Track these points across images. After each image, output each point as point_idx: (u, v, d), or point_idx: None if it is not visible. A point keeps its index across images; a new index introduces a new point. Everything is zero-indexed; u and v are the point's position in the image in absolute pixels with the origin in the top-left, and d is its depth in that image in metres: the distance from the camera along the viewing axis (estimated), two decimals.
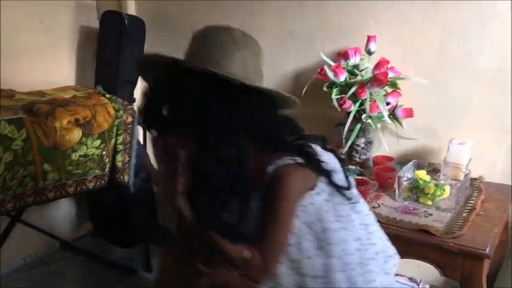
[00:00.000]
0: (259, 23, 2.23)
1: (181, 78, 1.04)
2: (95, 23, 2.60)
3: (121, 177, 2.14)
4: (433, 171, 1.78)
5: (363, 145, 1.96)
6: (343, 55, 1.96)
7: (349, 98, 1.83)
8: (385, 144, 1.95)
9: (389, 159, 1.92)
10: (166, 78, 1.07)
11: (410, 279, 1.79)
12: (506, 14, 1.72)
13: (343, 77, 1.88)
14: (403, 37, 1.93)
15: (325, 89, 1.91)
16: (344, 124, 1.86)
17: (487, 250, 1.35)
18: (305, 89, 1.98)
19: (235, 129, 1.04)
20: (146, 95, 1.09)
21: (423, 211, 1.57)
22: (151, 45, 2.43)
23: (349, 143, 1.90)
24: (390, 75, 1.83)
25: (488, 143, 1.83)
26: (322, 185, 1.08)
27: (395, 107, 1.88)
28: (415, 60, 1.91)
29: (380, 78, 1.77)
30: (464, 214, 1.54)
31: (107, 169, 2.09)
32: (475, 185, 1.76)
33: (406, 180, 1.66)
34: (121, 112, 2.11)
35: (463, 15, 1.80)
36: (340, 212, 1.10)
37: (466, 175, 1.67)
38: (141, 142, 2.33)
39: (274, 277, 1.10)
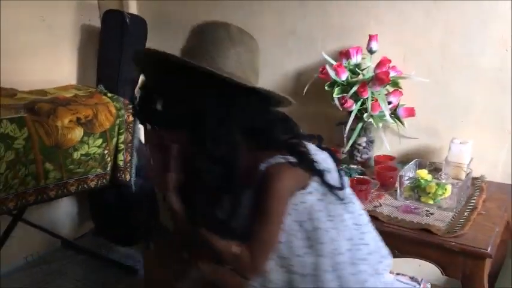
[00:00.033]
0: (260, 22, 2.23)
1: (176, 74, 1.04)
2: (97, 22, 2.60)
3: (122, 176, 2.15)
4: (435, 170, 1.77)
5: (364, 144, 1.96)
6: (344, 54, 1.95)
7: (351, 97, 1.83)
8: (386, 144, 1.94)
9: (391, 158, 1.91)
10: (162, 74, 1.07)
11: (412, 278, 1.79)
12: (507, 14, 1.72)
13: (344, 76, 1.88)
14: (404, 37, 1.93)
15: (326, 88, 1.91)
16: (345, 123, 1.86)
17: (489, 249, 1.35)
18: (306, 88, 1.98)
19: (230, 127, 1.04)
20: (142, 88, 1.10)
21: (425, 210, 1.57)
22: (153, 45, 2.43)
23: (351, 142, 1.90)
24: (392, 74, 1.83)
25: (489, 142, 1.83)
26: (314, 184, 1.09)
27: (397, 106, 1.88)
28: (417, 60, 1.91)
29: (382, 78, 1.77)
30: (465, 213, 1.54)
31: (108, 168, 2.10)
32: (476, 184, 1.75)
33: (407, 180, 1.66)
34: (122, 111, 2.11)
35: (465, 15, 1.80)
36: (332, 212, 1.11)
37: (467, 174, 1.67)
38: (143, 141, 2.33)
39: (263, 274, 1.10)
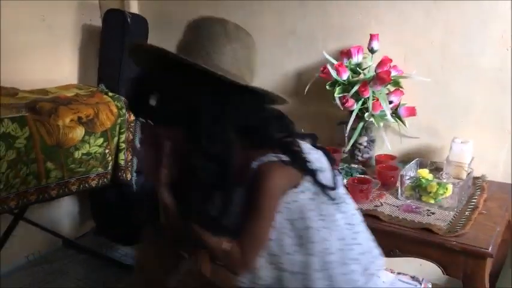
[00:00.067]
0: (260, 22, 2.24)
1: (171, 70, 1.04)
2: (98, 22, 2.60)
3: (124, 175, 2.15)
4: (436, 169, 1.78)
5: (365, 144, 1.96)
6: (345, 53, 1.96)
7: (352, 96, 1.83)
8: (387, 143, 1.95)
9: (392, 157, 1.91)
10: (157, 69, 1.07)
11: (413, 277, 1.79)
12: (507, 13, 1.72)
13: (345, 75, 1.88)
14: (404, 37, 1.93)
15: (327, 87, 1.91)
16: (347, 123, 1.86)
17: (490, 249, 1.35)
18: (307, 87, 1.99)
19: (225, 125, 1.04)
20: (136, 82, 1.09)
21: (426, 210, 1.57)
22: (154, 44, 2.43)
23: (352, 141, 1.90)
24: (393, 73, 1.83)
25: (489, 142, 1.83)
26: (307, 183, 1.09)
27: (398, 105, 1.88)
28: (417, 60, 1.91)
29: (383, 77, 1.77)
30: (466, 213, 1.54)
31: (109, 167, 2.10)
32: (477, 183, 1.75)
33: (408, 179, 1.66)
34: (124, 110, 2.11)
35: (465, 15, 1.80)
36: (324, 211, 1.11)
37: (468, 174, 1.67)
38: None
39: (253, 270, 1.11)
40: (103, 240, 2.61)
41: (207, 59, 1.03)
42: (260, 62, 2.35)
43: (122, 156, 2.12)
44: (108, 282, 2.35)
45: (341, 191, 1.17)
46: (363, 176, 1.79)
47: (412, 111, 1.88)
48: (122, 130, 2.11)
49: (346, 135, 1.90)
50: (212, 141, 1.02)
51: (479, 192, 1.69)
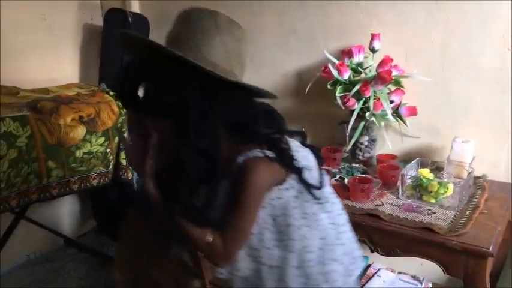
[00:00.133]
0: (260, 22, 2.24)
1: (160, 63, 1.03)
2: (99, 21, 2.61)
3: (125, 174, 2.15)
4: (437, 169, 1.78)
5: (366, 143, 1.96)
6: (346, 53, 1.96)
7: (353, 96, 1.83)
8: (388, 142, 1.94)
9: (393, 157, 1.91)
10: (147, 60, 1.06)
11: (414, 277, 1.80)
12: (507, 13, 1.72)
13: (346, 75, 1.88)
14: (405, 37, 1.93)
15: (328, 87, 1.91)
16: (348, 122, 1.86)
17: (491, 248, 1.35)
18: (308, 87, 1.98)
19: (213, 119, 1.04)
20: (125, 72, 1.09)
21: (426, 209, 1.57)
22: None
23: (353, 141, 1.90)
24: (394, 73, 1.83)
25: (490, 142, 1.83)
26: (292, 181, 1.10)
27: (399, 105, 1.88)
28: (418, 60, 1.91)
29: (384, 76, 1.77)
30: (467, 212, 1.54)
31: (110, 166, 2.10)
32: (478, 183, 1.75)
33: (409, 178, 1.66)
34: (125, 109, 2.12)
35: (465, 15, 1.80)
36: (307, 210, 1.12)
37: (469, 173, 1.67)
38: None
39: (233, 262, 1.12)
40: (104, 239, 2.61)
41: (196, 51, 1.03)
42: (260, 61, 2.37)
43: (123, 155, 2.12)
44: (109, 281, 2.35)
45: (327, 190, 1.18)
46: (363, 175, 1.79)
47: (413, 111, 1.88)
48: (123, 129, 2.11)
49: (347, 134, 1.90)
50: (200, 136, 1.02)
51: (480, 192, 1.69)
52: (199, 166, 1.03)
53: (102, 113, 2.02)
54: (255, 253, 1.12)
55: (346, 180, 1.77)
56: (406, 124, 1.91)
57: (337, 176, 1.83)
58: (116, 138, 2.09)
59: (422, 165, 1.77)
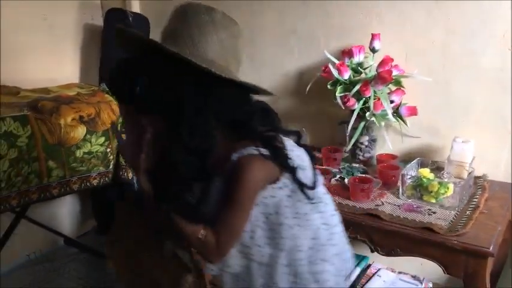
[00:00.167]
0: (260, 22, 2.24)
1: (156, 59, 1.02)
2: (99, 21, 2.61)
3: (125, 174, 2.15)
4: (437, 169, 1.78)
5: (366, 143, 1.96)
6: (347, 53, 1.96)
7: (353, 96, 1.83)
8: (388, 142, 1.94)
9: (393, 157, 1.91)
10: (142, 56, 1.06)
11: (414, 277, 1.79)
12: (508, 13, 1.72)
13: (347, 74, 1.88)
14: (405, 37, 1.93)
15: (329, 86, 1.91)
16: (348, 122, 1.86)
17: (491, 248, 1.35)
18: (308, 87, 1.99)
19: (207, 117, 1.03)
20: (120, 66, 1.08)
21: (427, 209, 1.57)
22: None
23: (353, 141, 1.90)
24: (394, 73, 1.83)
25: (490, 142, 1.83)
26: (285, 180, 1.09)
27: (399, 105, 1.88)
28: (418, 60, 1.91)
29: (384, 76, 1.77)
30: (467, 212, 1.54)
31: (111, 166, 2.10)
32: (478, 183, 1.75)
33: (409, 178, 1.66)
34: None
35: (466, 15, 1.80)
36: (300, 210, 1.12)
37: (469, 173, 1.67)
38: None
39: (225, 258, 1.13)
40: (104, 239, 2.61)
41: (192, 48, 1.02)
42: (260, 61, 2.37)
43: None
44: (109, 281, 2.35)
45: (320, 190, 1.18)
46: (364, 175, 1.79)
47: (413, 111, 1.88)
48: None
49: (348, 134, 1.90)
50: (194, 134, 1.01)
51: (480, 192, 1.69)
52: (192, 165, 1.02)
53: (103, 113, 2.03)
54: (246, 250, 1.13)
55: (346, 180, 1.77)
56: (406, 124, 1.91)
57: (338, 176, 1.83)
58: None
59: (422, 165, 1.77)
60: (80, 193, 2.55)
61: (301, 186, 1.10)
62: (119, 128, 1.93)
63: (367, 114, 1.84)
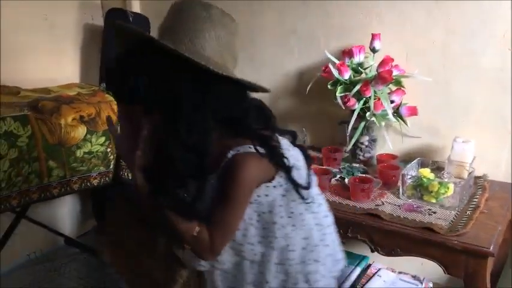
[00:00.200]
0: (260, 22, 2.24)
1: (153, 55, 1.01)
2: (100, 21, 2.61)
3: (125, 174, 2.15)
4: (437, 169, 1.78)
5: (367, 143, 1.96)
6: (347, 53, 1.96)
7: (354, 96, 1.83)
8: (389, 142, 1.95)
9: (394, 157, 1.91)
10: (139, 52, 1.05)
11: (414, 277, 1.79)
12: (508, 13, 1.72)
13: (347, 74, 1.88)
14: (405, 37, 1.93)
15: (329, 86, 1.91)
16: (348, 122, 1.86)
17: (491, 248, 1.35)
18: (309, 87, 1.99)
19: (205, 113, 1.03)
20: (117, 63, 1.07)
21: (427, 209, 1.57)
22: None
23: (353, 141, 1.90)
24: (395, 73, 1.83)
25: (491, 142, 1.83)
26: (280, 179, 1.10)
27: (400, 105, 1.88)
28: (418, 60, 1.91)
29: (384, 76, 1.77)
30: (468, 212, 1.54)
31: (111, 166, 2.10)
32: (479, 183, 1.75)
33: (410, 178, 1.66)
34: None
35: (466, 15, 1.80)
36: (293, 209, 1.12)
37: (470, 173, 1.67)
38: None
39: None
40: (104, 239, 2.61)
41: (189, 44, 1.02)
42: (260, 61, 2.37)
43: None
44: (110, 281, 2.35)
45: (314, 191, 1.18)
46: (364, 175, 1.79)
47: (413, 111, 1.88)
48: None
49: (348, 134, 1.90)
50: (191, 131, 1.01)
51: (480, 192, 1.69)
52: (189, 162, 1.02)
53: (103, 113, 2.03)
54: (238, 248, 1.13)
55: (346, 180, 1.77)
56: (406, 124, 1.91)
57: (338, 176, 1.83)
58: None
59: (422, 165, 1.77)
60: (80, 193, 2.55)
61: (296, 185, 1.10)
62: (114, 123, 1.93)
63: (368, 114, 1.84)
